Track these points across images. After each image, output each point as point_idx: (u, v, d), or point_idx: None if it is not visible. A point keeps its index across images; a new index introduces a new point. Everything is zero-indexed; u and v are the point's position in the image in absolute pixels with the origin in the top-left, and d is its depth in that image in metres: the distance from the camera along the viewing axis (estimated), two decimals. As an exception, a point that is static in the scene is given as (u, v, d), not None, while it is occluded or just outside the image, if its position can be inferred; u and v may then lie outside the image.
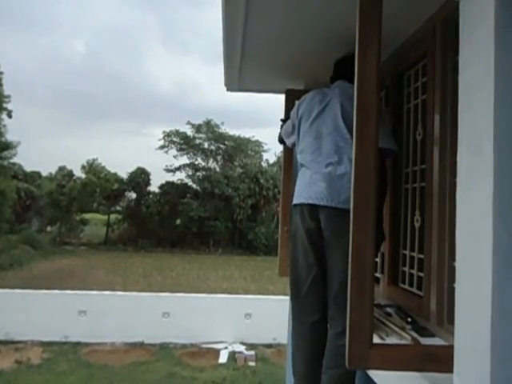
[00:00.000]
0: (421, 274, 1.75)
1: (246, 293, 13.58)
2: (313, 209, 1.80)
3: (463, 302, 0.98)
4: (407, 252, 1.90)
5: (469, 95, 1.01)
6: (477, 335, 0.91)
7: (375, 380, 1.55)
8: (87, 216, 29.21)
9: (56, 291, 11.00)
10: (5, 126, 20.02)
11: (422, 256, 1.74)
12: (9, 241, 21.08)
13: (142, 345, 9.83)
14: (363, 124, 1.12)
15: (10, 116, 20.42)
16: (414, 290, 1.81)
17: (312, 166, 1.85)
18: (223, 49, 2.00)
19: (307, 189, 1.86)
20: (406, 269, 1.91)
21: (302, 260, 1.88)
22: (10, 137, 20.48)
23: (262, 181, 26.82)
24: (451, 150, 1.51)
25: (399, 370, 1.09)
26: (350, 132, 1.72)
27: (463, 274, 0.99)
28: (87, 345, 9.62)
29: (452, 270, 1.45)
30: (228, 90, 2.59)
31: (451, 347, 1.00)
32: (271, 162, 30.17)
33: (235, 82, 2.47)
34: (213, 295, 11.60)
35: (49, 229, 28.09)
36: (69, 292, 10.96)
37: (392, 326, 1.59)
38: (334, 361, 1.68)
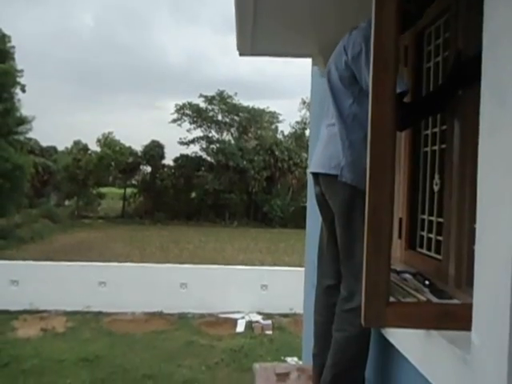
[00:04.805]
0: (439, 238, 1.72)
1: (262, 264, 13.73)
2: (315, 176, 1.83)
3: (483, 260, 0.96)
4: (425, 216, 1.87)
5: (493, 45, 0.95)
6: (496, 292, 0.89)
7: (391, 340, 1.55)
8: (103, 190, 29.66)
9: (77, 263, 11.30)
10: (19, 100, 20.14)
11: (441, 220, 1.71)
12: (29, 215, 21.63)
13: (161, 314, 10.09)
14: (380, 77, 1.08)
15: (23, 90, 20.51)
16: (432, 253, 1.78)
17: (321, 129, 1.85)
18: (235, 8, 1.93)
19: (313, 156, 1.87)
20: (424, 233, 1.88)
21: (322, 224, 1.93)
22: (24, 111, 20.62)
23: (277, 153, 26.69)
24: (474, 108, 1.44)
25: (416, 327, 1.08)
26: (334, 94, 1.71)
27: (484, 230, 0.96)
28: (108, 314, 9.93)
29: (472, 232, 1.41)
30: (241, 54, 2.51)
31: (469, 305, 0.99)
32: (286, 133, 29.94)
33: (248, 45, 2.39)
34: (229, 266, 11.76)
35: (66, 203, 28.66)
36: (89, 264, 11.25)
37: (408, 289, 1.58)
38: (339, 324, 1.71)
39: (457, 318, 1.03)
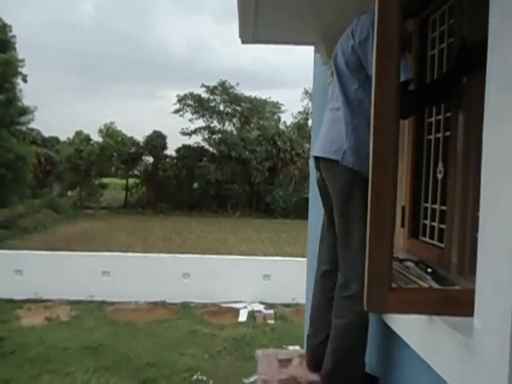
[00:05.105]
0: (442, 226, 1.72)
1: (265, 255, 13.76)
2: (316, 160, 1.83)
3: (486, 246, 0.96)
4: (429, 205, 1.86)
5: (499, 31, 0.94)
6: (499, 278, 0.89)
7: (393, 327, 1.56)
8: (106, 180, 29.69)
9: (80, 253, 11.36)
10: (21, 90, 20.03)
11: (444, 208, 1.70)
12: (32, 205, 21.68)
13: (163, 304, 10.16)
14: (383, 64, 1.07)
15: (25, 80, 20.39)
16: (435, 242, 1.79)
17: (325, 114, 1.84)
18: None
19: (316, 140, 1.89)
20: (427, 222, 1.88)
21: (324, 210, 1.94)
22: (25, 102, 20.49)
23: (279, 143, 26.61)
24: (479, 95, 1.43)
25: (418, 313, 1.08)
26: (340, 78, 1.71)
27: (487, 217, 0.96)
28: (112, 304, 10.01)
29: (475, 220, 1.41)
30: (243, 42, 2.49)
31: (471, 291, 0.99)
32: (288, 123, 29.82)
33: (250, 32, 2.37)
34: (232, 256, 11.81)
35: (69, 193, 28.73)
36: (92, 254, 11.30)
37: (411, 276, 1.58)
38: (337, 311, 1.73)
39: (459, 304, 1.03)
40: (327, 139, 1.75)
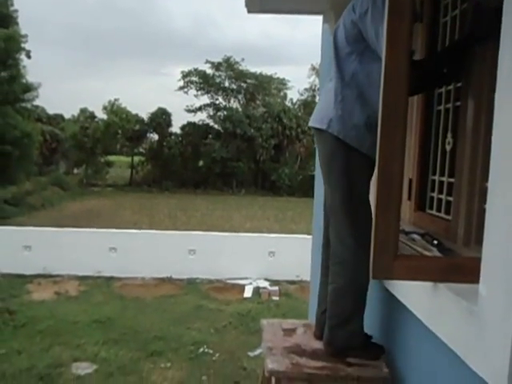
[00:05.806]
0: (450, 199, 1.71)
1: (270, 232, 13.82)
2: (313, 131, 1.85)
3: (494, 213, 0.95)
4: (436, 177, 1.85)
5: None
6: (506, 245, 0.89)
7: (397, 296, 1.57)
8: (111, 158, 29.73)
9: (88, 229, 11.47)
10: (24, 67, 19.80)
11: (452, 180, 1.69)
12: (39, 182, 21.81)
13: (170, 280, 10.30)
14: (395, 25, 1.04)
15: (28, 56, 20.12)
16: (442, 214, 1.78)
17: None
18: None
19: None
20: (435, 194, 1.87)
21: None
22: (29, 78, 20.23)
23: (285, 120, 26.38)
24: (491, 63, 1.40)
25: (423, 280, 1.09)
26: (337, 51, 1.70)
27: (496, 185, 0.95)
28: (119, 279, 10.16)
29: (483, 191, 1.40)
30: (249, 11, 2.43)
31: (477, 259, 0.99)
32: (295, 100, 29.49)
33: (257, 0, 2.31)
34: (237, 234, 11.86)
35: (75, 171, 28.85)
36: (100, 230, 11.41)
37: (417, 247, 1.58)
38: (331, 277, 1.76)
39: (464, 271, 1.03)
40: (318, 109, 1.77)
